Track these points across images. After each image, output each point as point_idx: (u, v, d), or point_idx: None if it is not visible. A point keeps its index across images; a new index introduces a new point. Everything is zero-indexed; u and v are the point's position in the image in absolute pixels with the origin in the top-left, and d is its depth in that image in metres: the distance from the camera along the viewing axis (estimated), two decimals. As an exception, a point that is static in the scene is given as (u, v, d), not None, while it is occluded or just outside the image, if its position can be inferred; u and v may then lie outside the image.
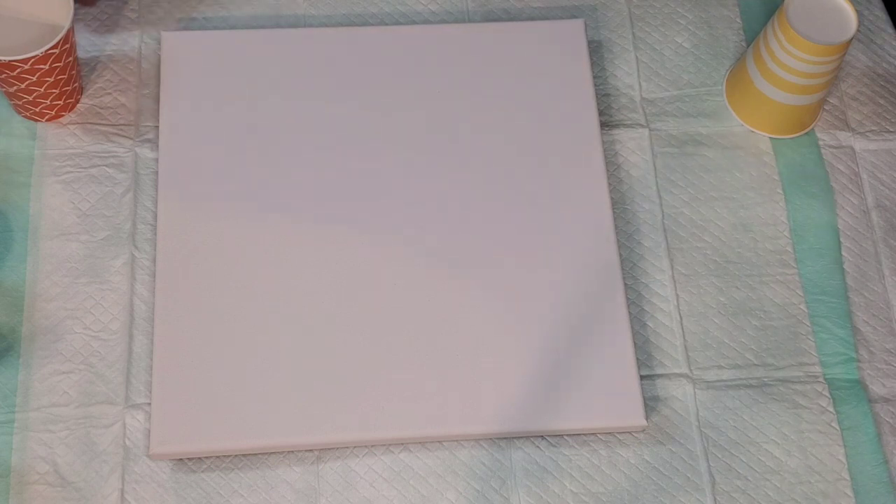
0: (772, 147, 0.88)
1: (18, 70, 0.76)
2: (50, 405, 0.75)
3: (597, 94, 0.87)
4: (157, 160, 0.82)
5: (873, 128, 0.90)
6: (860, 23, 0.91)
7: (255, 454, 0.74)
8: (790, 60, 0.81)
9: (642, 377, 0.78)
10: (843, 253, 0.84)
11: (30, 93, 0.79)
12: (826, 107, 0.90)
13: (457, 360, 0.76)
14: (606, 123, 0.88)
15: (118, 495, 0.72)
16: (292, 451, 0.74)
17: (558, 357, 0.76)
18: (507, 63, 0.87)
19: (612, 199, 0.83)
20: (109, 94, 0.85)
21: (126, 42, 0.88)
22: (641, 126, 0.88)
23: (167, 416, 0.73)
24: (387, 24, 0.90)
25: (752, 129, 0.88)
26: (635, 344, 0.78)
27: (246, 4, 0.90)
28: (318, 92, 0.84)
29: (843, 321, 0.81)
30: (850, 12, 0.81)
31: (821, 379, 0.79)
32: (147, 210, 0.81)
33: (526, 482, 0.74)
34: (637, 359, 0.77)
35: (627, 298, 0.80)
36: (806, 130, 0.89)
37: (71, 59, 0.79)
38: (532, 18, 0.92)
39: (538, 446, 0.76)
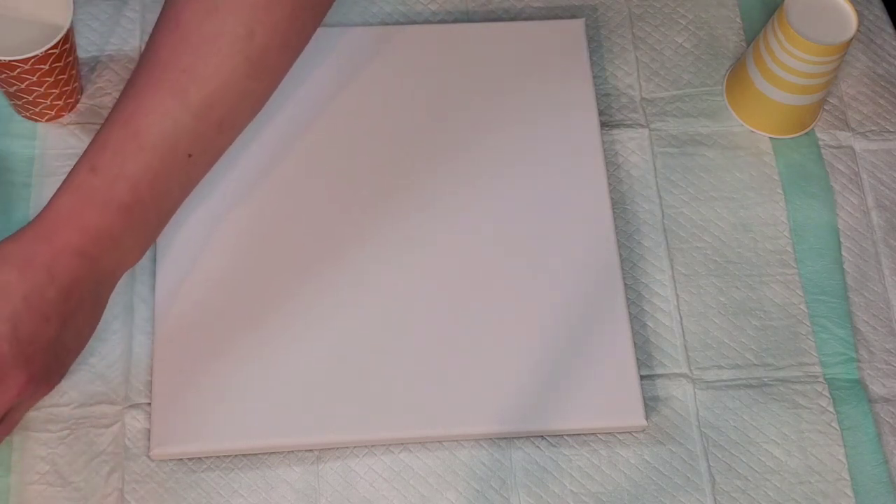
0: (772, 147, 0.88)
1: (18, 70, 0.76)
2: (50, 405, 0.75)
3: (597, 94, 0.87)
4: (157, 160, 0.82)
5: (873, 128, 0.90)
6: (860, 23, 0.91)
7: (255, 454, 0.74)
8: (790, 60, 0.81)
9: (642, 377, 0.78)
10: (843, 253, 0.84)
11: (30, 93, 0.79)
12: (826, 107, 0.90)
13: (457, 360, 0.76)
14: (606, 123, 0.88)
15: (118, 495, 0.72)
16: (292, 451, 0.74)
17: (558, 357, 0.76)
18: (507, 63, 0.87)
19: (612, 199, 0.83)
20: (109, 94, 0.85)
21: (126, 42, 0.88)
22: (641, 126, 0.88)
23: (167, 416, 0.73)
24: (387, 24, 0.90)
25: (752, 129, 0.88)
26: (635, 344, 0.78)
27: (246, 4, 0.90)
28: (318, 91, 0.84)
29: (843, 321, 0.81)
30: (850, 12, 0.81)
31: (821, 379, 0.79)
32: (147, 210, 0.81)
33: (526, 482, 0.74)
34: (637, 359, 0.77)
35: (627, 298, 0.80)
36: (806, 130, 0.89)
37: (71, 59, 0.79)
38: (532, 18, 0.92)
39: (538, 446, 0.76)
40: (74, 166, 0.66)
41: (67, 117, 0.84)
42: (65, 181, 0.66)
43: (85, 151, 0.67)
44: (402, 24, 0.90)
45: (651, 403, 0.78)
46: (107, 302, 0.69)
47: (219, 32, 0.67)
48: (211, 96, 0.67)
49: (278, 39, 0.69)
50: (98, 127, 0.85)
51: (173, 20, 0.68)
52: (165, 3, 0.69)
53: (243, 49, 0.67)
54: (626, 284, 0.81)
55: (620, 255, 0.81)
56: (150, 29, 0.88)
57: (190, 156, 0.68)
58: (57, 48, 0.76)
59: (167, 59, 0.67)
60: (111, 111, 0.68)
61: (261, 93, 0.71)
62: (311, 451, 0.75)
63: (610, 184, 0.84)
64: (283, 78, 0.72)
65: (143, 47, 0.87)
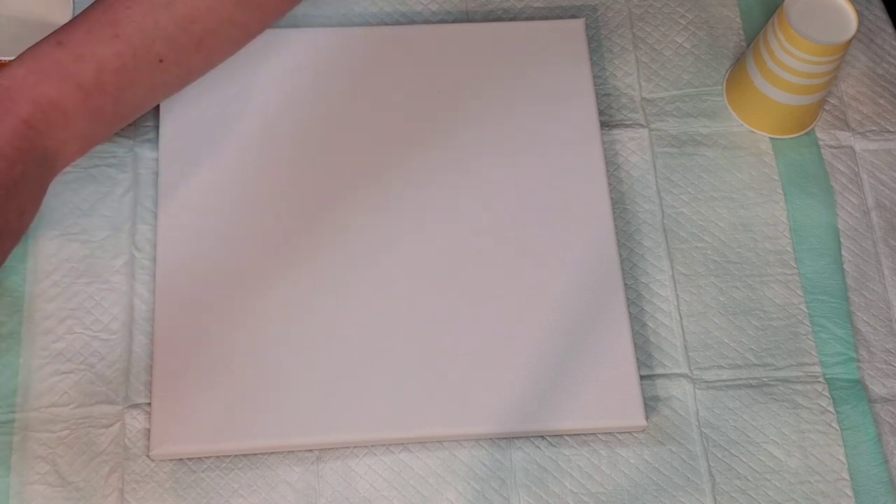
0: (772, 147, 0.88)
1: (18, 70, 0.76)
2: (50, 405, 0.75)
3: (597, 94, 0.87)
4: (157, 160, 0.82)
5: (873, 128, 0.90)
6: (860, 23, 0.91)
7: (255, 454, 0.74)
8: (790, 60, 0.81)
9: (642, 377, 0.78)
10: (843, 253, 0.84)
11: (30, 93, 0.79)
12: (826, 107, 0.90)
13: (457, 360, 0.76)
14: (606, 123, 0.88)
15: (118, 495, 0.72)
16: (292, 451, 0.74)
17: (558, 357, 0.76)
18: (507, 63, 0.87)
19: (612, 199, 0.83)
20: (109, 93, 0.85)
21: (126, 42, 0.88)
22: (641, 126, 0.88)
23: (167, 416, 0.73)
24: (387, 24, 0.90)
25: (752, 129, 0.88)
26: (635, 344, 0.78)
27: (246, 4, 0.90)
28: (318, 91, 0.84)
29: (843, 321, 0.81)
30: (850, 12, 0.81)
31: (821, 379, 0.79)
32: (147, 210, 0.81)
33: (526, 482, 0.74)
34: (637, 359, 0.77)
35: (627, 298, 0.80)
36: (806, 130, 0.89)
37: (71, 58, 0.79)
38: (532, 18, 0.92)
39: (538, 446, 0.76)
40: (41, 40, 0.63)
41: (67, 117, 0.84)
42: (26, 51, 0.62)
43: (56, 29, 0.64)
44: (402, 24, 0.90)
45: (651, 403, 0.78)
46: (46, 190, 0.65)
47: None
48: (197, 9, 0.66)
49: None
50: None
51: None
52: None
53: None
54: (626, 284, 0.81)
55: (620, 255, 0.81)
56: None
57: (161, 61, 0.65)
58: (57, 48, 0.76)
59: None
60: (93, 2, 0.65)
61: (245, 26, 0.70)
62: (311, 451, 0.75)
63: (610, 184, 0.84)
64: (269, 23, 0.70)
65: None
